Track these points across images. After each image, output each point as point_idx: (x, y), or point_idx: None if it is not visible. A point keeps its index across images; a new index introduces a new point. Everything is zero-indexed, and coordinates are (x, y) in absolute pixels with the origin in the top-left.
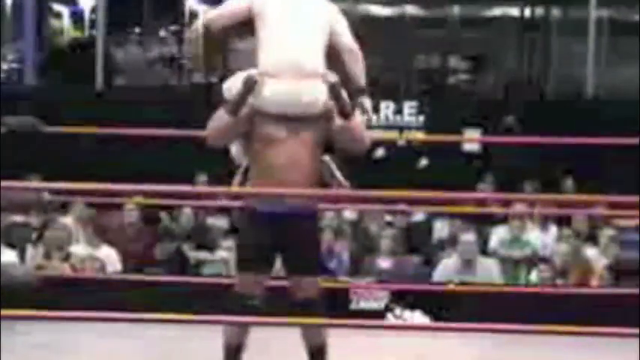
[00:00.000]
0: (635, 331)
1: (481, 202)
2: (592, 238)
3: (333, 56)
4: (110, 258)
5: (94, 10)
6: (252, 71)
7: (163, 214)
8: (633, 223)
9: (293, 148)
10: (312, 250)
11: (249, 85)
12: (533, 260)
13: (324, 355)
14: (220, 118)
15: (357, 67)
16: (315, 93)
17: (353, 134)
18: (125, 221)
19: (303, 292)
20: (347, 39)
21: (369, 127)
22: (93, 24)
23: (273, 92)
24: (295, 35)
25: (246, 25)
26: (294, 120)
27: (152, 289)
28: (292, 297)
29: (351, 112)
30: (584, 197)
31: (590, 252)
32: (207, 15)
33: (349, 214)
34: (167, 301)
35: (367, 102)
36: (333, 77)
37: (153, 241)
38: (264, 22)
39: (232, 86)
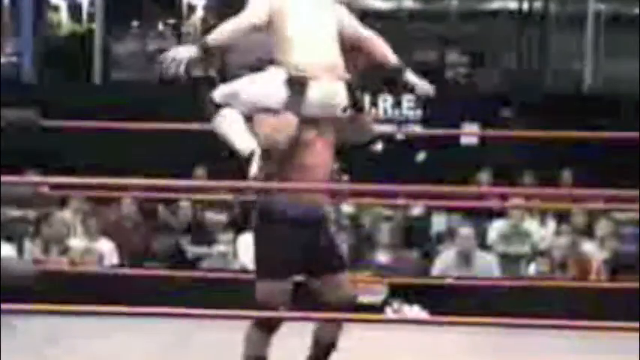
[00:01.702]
0: (636, 325)
1: (479, 196)
2: (589, 232)
3: (354, 49)
4: (108, 251)
5: (92, 4)
6: (294, 72)
7: (161, 208)
8: (631, 216)
9: (320, 149)
10: (338, 248)
11: (301, 87)
12: (532, 254)
13: (330, 353)
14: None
15: (385, 49)
16: (343, 94)
17: (363, 126)
18: (123, 214)
19: (339, 293)
20: (362, 28)
21: None
22: (91, 17)
23: (314, 94)
24: (322, 35)
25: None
26: (320, 122)
27: (150, 283)
28: (324, 300)
29: (364, 106)
30: (581, 191)
31: (588, 246)
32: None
33: (347, 207)
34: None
35: (411, 76)
36: (347, 75)
37: (151, 235)
38: (286, 19)
39: (253, 91)
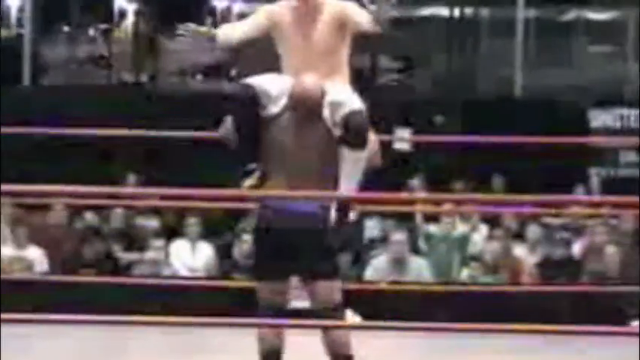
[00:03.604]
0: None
1: (412, 202)
2: (520, 236)
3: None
4: (38, 258)
5: (21, 9)
6: None
7: (89, 215)
8: (560, 220)
9: None
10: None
11: None
12: (464, 258)
13: None
14: None
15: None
16: None
17: None
18: (53, 222)
19: (320, 299)
20: None
21: None
22: (20, 22)
23: None
24: None
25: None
26: None
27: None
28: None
29: None
30: (512, 196)
31: (519, 249)
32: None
33: None
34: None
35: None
36: None
37: (82, 242)
38: None
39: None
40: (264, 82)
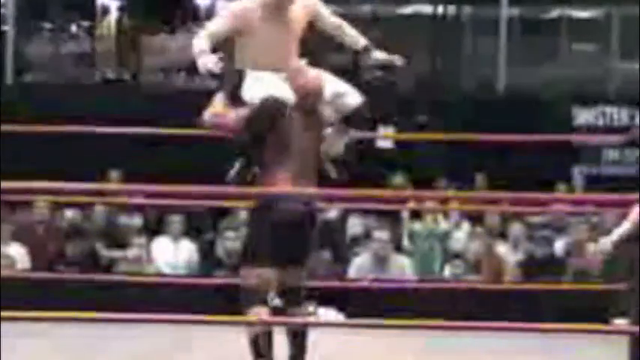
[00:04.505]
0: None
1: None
2: (502, 234)
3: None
4: (20, 256)
5: (3, 6)
6: None
7: (70, 212)
8: (542, 218)
9: None
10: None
11: None
12: (446, 254)
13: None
14: None
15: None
16: None
17: None
18: (35, 219)
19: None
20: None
21: None
22: (2, 19)
23: None
24: None
25: None
26: None
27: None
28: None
29: None
30: (494, 194)
31: (501, 247)
32: None
33: None
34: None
35: (379, 54)
36: None
37: (64, 240)
38: None
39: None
40: (277, 88)
